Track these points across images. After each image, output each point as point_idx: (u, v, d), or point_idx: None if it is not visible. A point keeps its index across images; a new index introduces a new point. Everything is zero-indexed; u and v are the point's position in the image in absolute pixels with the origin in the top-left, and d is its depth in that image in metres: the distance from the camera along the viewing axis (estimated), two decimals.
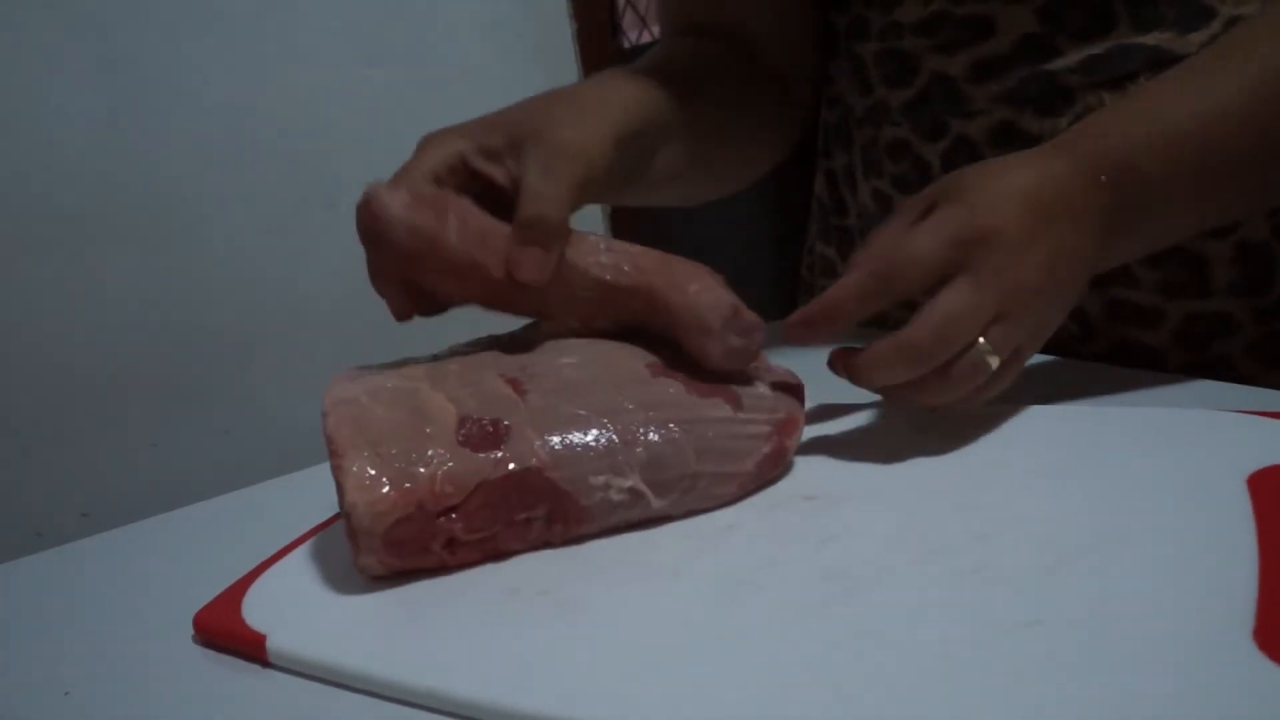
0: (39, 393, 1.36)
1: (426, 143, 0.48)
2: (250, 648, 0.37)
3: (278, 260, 1.50)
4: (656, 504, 0.41)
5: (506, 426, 0.41)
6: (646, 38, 1.95)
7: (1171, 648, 0.30)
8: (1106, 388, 0.52)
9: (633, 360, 0.46)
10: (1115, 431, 0.46)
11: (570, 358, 0.45)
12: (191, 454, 1.44)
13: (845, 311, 0.44)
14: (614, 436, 0.41)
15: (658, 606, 0.36)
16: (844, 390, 0.46)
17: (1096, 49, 0.55)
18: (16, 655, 0.41)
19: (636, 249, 0.47)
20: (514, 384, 0.43)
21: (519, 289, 0.46)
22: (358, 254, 0.47)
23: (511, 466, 0.40)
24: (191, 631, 0.39)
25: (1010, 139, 0.58)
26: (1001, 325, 0.43)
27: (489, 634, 0.36)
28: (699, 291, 0.45)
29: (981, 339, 0.43)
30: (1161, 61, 0.53)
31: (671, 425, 0.42)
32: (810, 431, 0.47)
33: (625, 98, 0.52)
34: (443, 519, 0.39)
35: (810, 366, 0.47)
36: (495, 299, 0.47)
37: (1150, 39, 0.54)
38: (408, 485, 0.38)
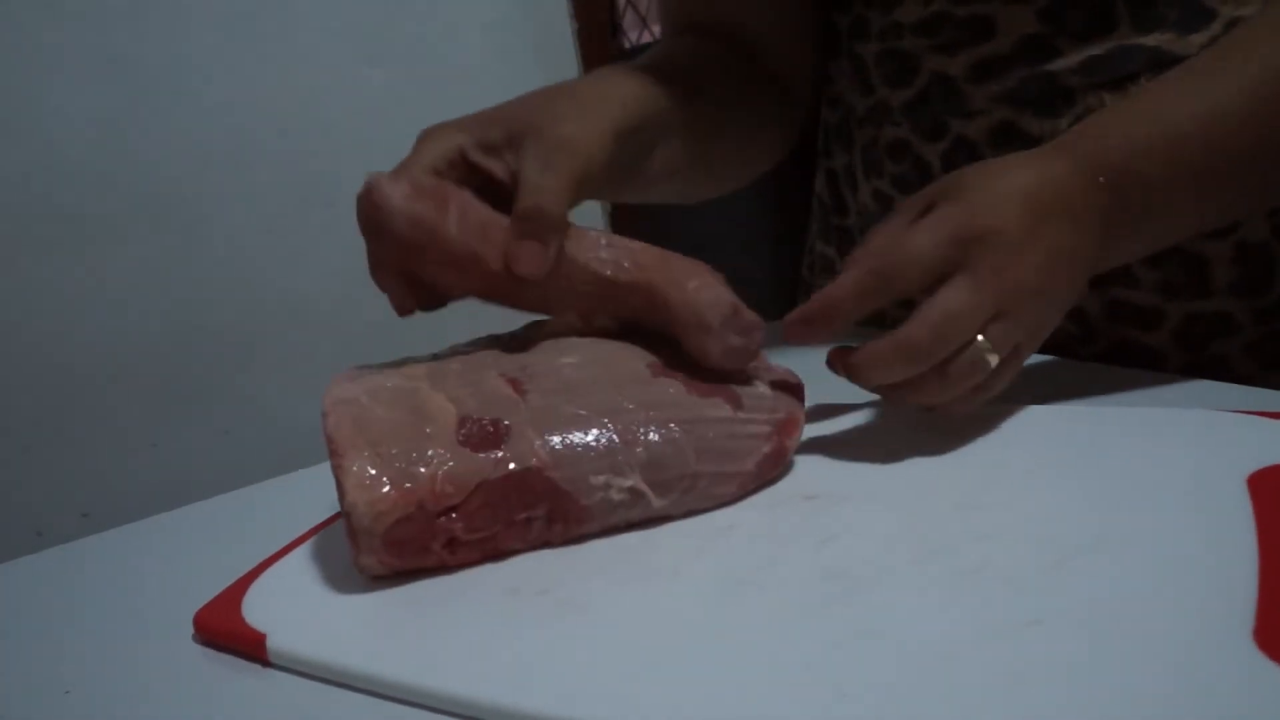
0: (39, 392, 1.36)
1: (425, 137, 0.48)
2: (250, 648, 0.37)
3: (278, 260, 1.50)
4: (657, 504, 0.41)
5: (507, 426, 0.41)
6: (646, 38, 1.95)
7: (1171, 648, 0.30)
8: (1106, 388, 0.52)
9: (633, 360, 0.46)
10: (1115, 431, 0.46)
11: (570, 357, 0.45)
12: (191, 454, 1.44)
13: (844, 310, 0.44)
14: (614, 436, 0.41)
15: (658, 606, 0.36)
16: (844, 390, 0.46)
17: (1097, 50, 0.55)
18: (16, 655, 0.41)
19: (636, 245, 0.47)
20: (514, 384, 0.43)
21: (519, 282, 0.45)
22: (358, 254, 0.47)
23: (512, 466, 0.40)
24: (191, 631, 0.39)
25: (1010, 139, 0.58)
26: (1000, 324, 0.43)
27: (489, 634, 0.36)
28: (698, 289, 0.45)
29: (980, 337, 0.43)
30: (1162, 62, 0.53)
31: (672, 425, 0.42)
32: (810, 431, 0.47)
33: (624, 94, 0.52)
34: (443, 519, 0.39)
35: (810, 366, 0.47)
36: (495, 292, 0.47)
37: (1151, 40, 0.54)
38: (408, 485, 0.38)
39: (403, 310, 0.48)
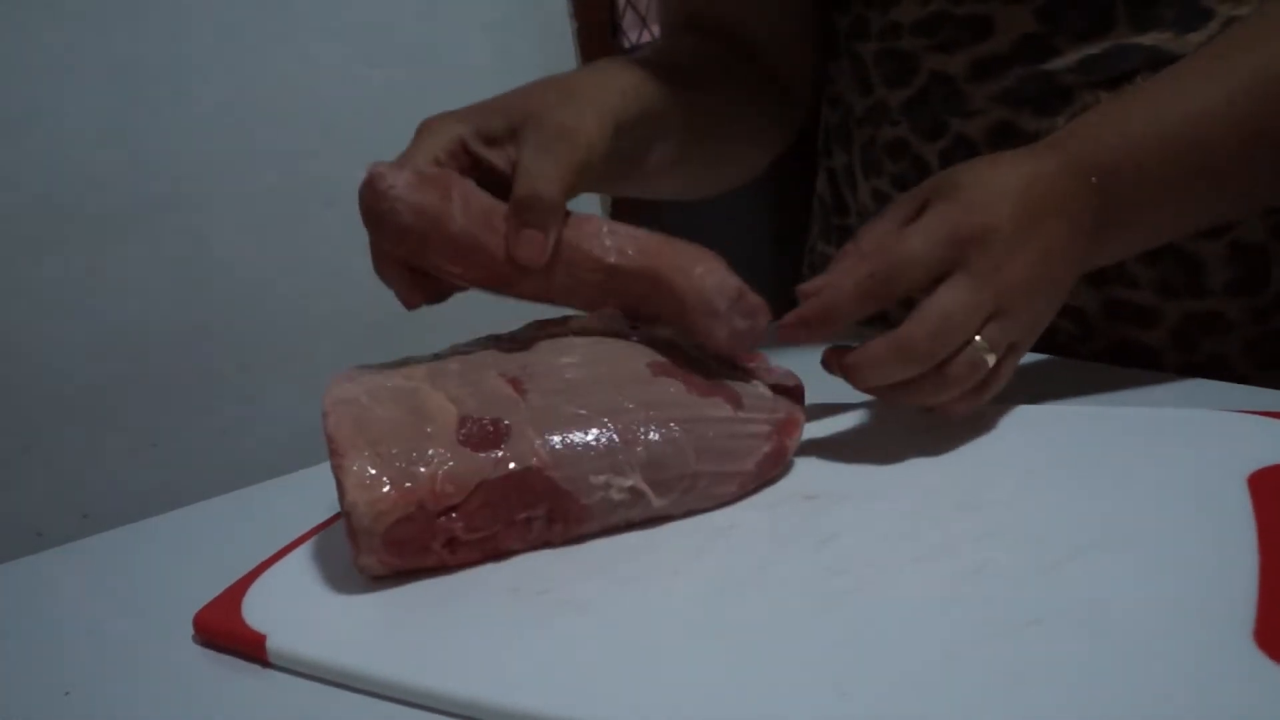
0: (39, 393, 1.35)
1: (425, 128, 0.48)
2: (250, 648, 0.37)
3: (278, 260, 1.50)
4: (657, 503, 0.41)
5: (507, 426, 0.41)
6: (646, 38, 1.95)
7: (1171, 648, 0.30)
8: (1106, 387, 0.52)
9: (633, 360, 0.46)
10: (1115, 431, 0.46)
11: (571, 357, 0.45)
12: (191, 454, 1.44)
13: (842, 313, 0.44)
14: (614, 436, 0.41)
15: (658, 606, 0.36)
16: (844, 390, 0.46)
17: (1094, 49, 0.55)
18: (16, 655, 0.41)
19: (640, 232, 0.46)
20: (514, 383, 0.43)
21: (522, 271, 0.45)
22: (358, 254, 0.47)
23: (512, 466, 0.40)
24: (191, 631, 0.39)
25: (1008, 138, 0.58)
26: (997, 322, 0.43)
27: (489, 634, 0.36)
28: (704, 274, 0.45)
29: (978, 337, 0.43)
30: (1159, 62, 0.53)
31: (672, 425, 0.42)
32: (810, 431, 0.47)
33: (624, 85, 0.52)
34: (443, 518, 0.39)
35: (810, 366, 0.47)
36: (499, 281, 0.46)
37: (1148, 39, 0.54)
38: (408, 485, 0.38)
39: (409, 303, 0.48)
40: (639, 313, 0.47)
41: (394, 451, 0.39)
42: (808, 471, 0.45)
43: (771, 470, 0.44)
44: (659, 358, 0.46)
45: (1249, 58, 0.46)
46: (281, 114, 1.48)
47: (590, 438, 0.41)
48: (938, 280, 0.43)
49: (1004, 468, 0.43)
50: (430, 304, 0.48)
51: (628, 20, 1.90)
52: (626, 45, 1.90)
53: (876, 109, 0.65)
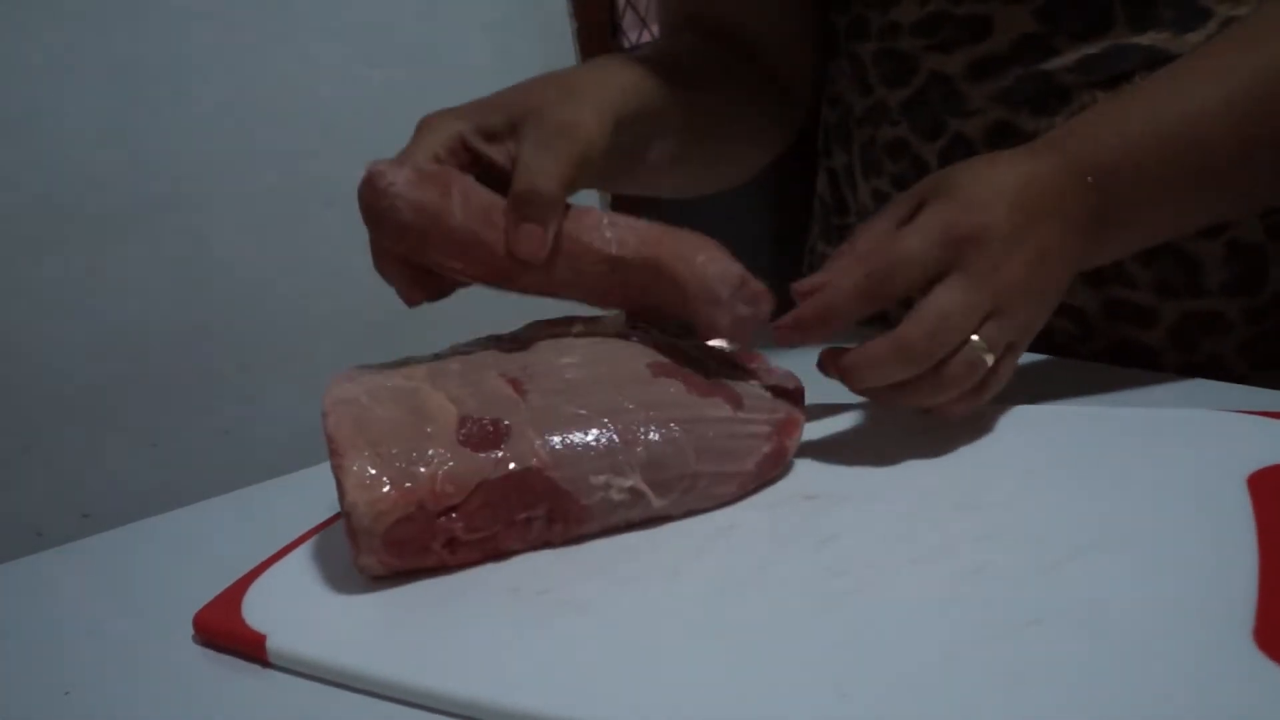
0: (39, 392, 1.36)
1: (425, 124, 0.48)
2: (250, 648, 0.37)
3: (278, 260, 1.50)
4: (657, 504, 0.41)
5: (507, 426, 0.41)
6: (646, 38, 1.95)
7: (1171, 648, 0.30)
8: (1105, 387, 0.52)
9: (633, 360, 0.46)
10: (1115, 431, 0.46)
11: (571, 357, 0.45)
12: (191, 454, 1.44)
13: (839, 314, 0.44)
14: (614, 436, 0.41)
15: (658, 606, 0.36)
16: (843, 391, 0.46)
17: (1093, 49, 0.55)
18: (16, 655, 0.41)
19: (640, 223, 0.46)
20: (514, 384, 0.43)
21: (524, 266, 0.45)
22: (358, 254, 0.47)
23: (512, 466, 0.40)
24: (191, 631, 0.39)
25: (1007, 138, 0.58)
26: (995, 322, 0.43)
27: (489, 634, 0.36)
28: (706, 262, 0.45)
29: (975, 337, 0.43)
30: (1158, 62, 0.53)
31: (672, 425, 0.42)
32: (810, 431, 0.47)
33: (624, 82, 0.52)
34: (443, 518, 0.39)
35: (810, 366, 0.47)
36: (500, 277, 0.46)
37: (1146, 39, 0.54)
38: (408, 485, 0.38)
39: (410, 300, 0.47)
40: (641, 304, 0.47)
41: (394, 451, 0.39)
42: (808, 472, 0.45)
43: (771, 470, 0.44)
44: (659, 358, 0.46)
45: (1248, 58, 0.46)
46: (281, 114, 1.48)
47: (590, 438, 0.41)
48: (934, 280, 0.43)
49: (1004, 468, 0.43)
50: (431, 300, 0.48)
51: (628, 20, 1.90)
52: (626, 45, 1.90)
53: (876, 109, 0.65)
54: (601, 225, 0.46)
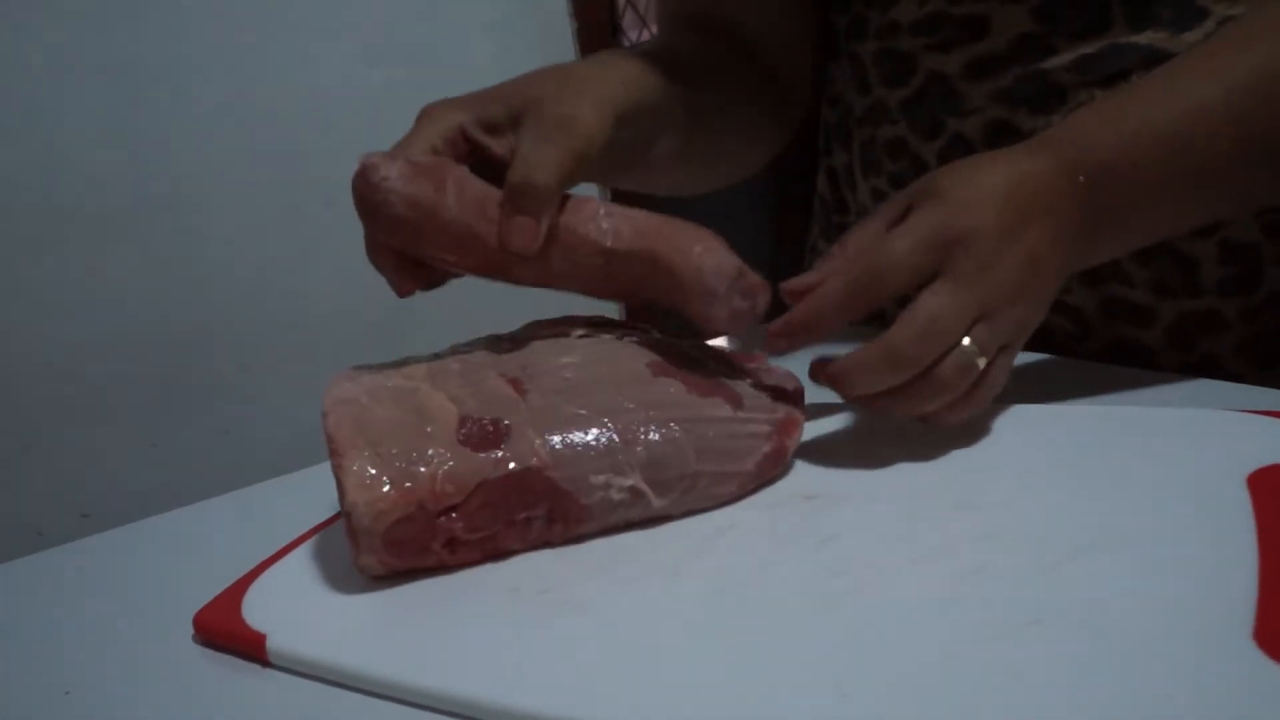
0: (38, 392, 1.36)
1: (425, 114, 0.48)
2: (250, 648, 0.37)
3: (278, 260, 1.50)
4: (657, 503, 0.41)
5: (507, 426, 0.41)
6: (646, 37, 1.95)
7: (1171, 648, 0.30)
8: (1106, 387, 0.52)
9: (633, 360, 0.46)
10: (1115, 431, 0.46)
11: (571, 357, 0.45)
12: (191, 454, 1.44)
13: (828, 319, 0.44)
14: (614, 436, 0.41)
15: (658, 606, 0.36)
16: None
17: (1090, 48, 0.55)
18: (16, 655, 0.41)
19: (638, 213, 0.46)
20: (514, 383, 0.43)
21: (519, 257, 0.45)
22: (358, 254, 0.46)
23: (512, 466, 0.40)
24: (191, 631, 0.39)
25: (1005, 137, 0.58)
26: (986, 324, 0.43)
27: (489, 634, 0.36)
28: (702, 253, 0.44)
29: (966, 340, 0.42)
30: (1155, 61, 0.53)
31: (672, 424, 0.42)
32: (810, 431, 0.47)
33: (625, 77, 0.52)
34: (443, 518, 0.39)
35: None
36: (495, 269, 0.46)
37: (1144, 38, 0.54)
38: (408, 485, 0.38)
39: (402, 291, 0.47)
40: (638, 296, 0.47)
41: (394, 451, 0.39)
42: (808, 472, 0.45)
43: (771, 470, 0.44)
44: (659, 358, 0.46)
45: (1245, 57, 0.46)
46: (281, 114, 1.48)
47: (590, 438, 0.41)
48: (924, 283, 0.42)
49: (1003, 468, 0.43)
50: (424, 290, 0.48)
51: (628, 20, 1.91)
52: (626, 45, 1.90)
53: (875, 108, 0.65)
54: (598, 216, 0.45)
